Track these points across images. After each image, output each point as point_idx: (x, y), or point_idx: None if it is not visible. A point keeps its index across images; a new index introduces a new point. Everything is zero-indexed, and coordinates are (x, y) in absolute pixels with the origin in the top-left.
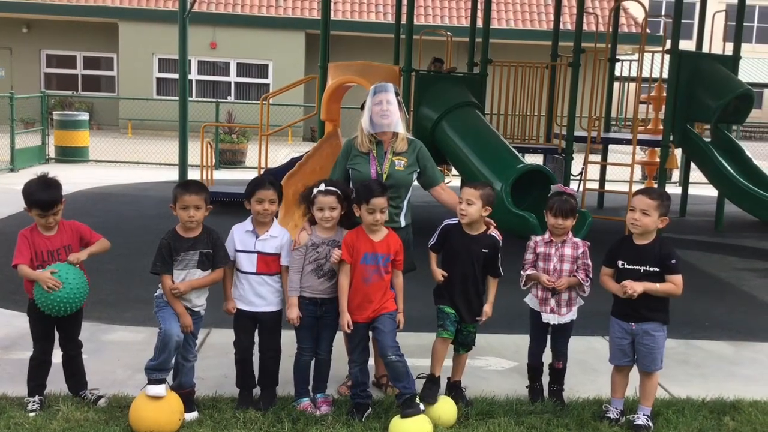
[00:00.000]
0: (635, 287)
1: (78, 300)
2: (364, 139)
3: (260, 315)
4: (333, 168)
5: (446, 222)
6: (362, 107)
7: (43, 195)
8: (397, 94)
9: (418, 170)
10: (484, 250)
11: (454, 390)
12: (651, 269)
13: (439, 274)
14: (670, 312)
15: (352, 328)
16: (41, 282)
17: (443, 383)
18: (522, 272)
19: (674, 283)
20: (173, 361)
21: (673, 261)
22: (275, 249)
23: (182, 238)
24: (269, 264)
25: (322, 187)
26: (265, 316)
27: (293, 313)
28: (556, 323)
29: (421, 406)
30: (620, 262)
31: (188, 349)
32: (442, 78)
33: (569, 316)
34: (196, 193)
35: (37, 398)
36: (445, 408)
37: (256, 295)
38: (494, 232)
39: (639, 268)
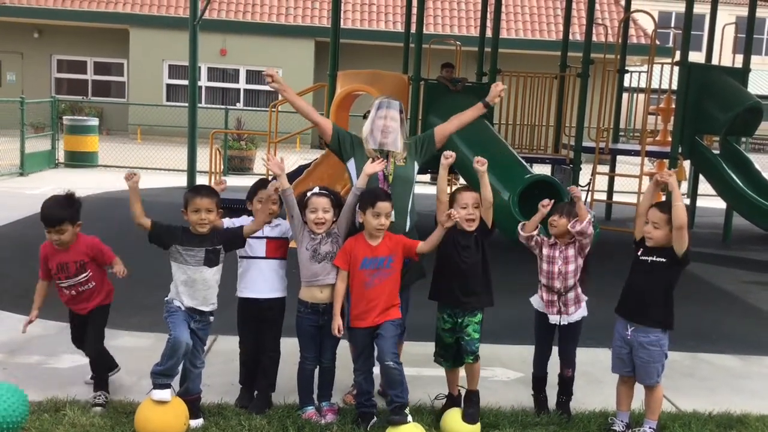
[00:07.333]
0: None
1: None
2: (369, 147)
3: (265, 302)
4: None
5: None
6: (365, 116)
7: (47, 211)
8: (401, 112)
9: (421, 153)
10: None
11: (468, 401)
12: (658, 260)
13: None
14: (676, 324)
15: (342, 332)
16: None
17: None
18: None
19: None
20: (180, 367)
21: None
22: (281, 234)
23: (192, 234)
24: (276, 249)
25: (316, 189)
26: (270, 302)
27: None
28: (566, 323)
29: (409, 418)
30: (639, 251)
31: (196, 356)
32: (452, 93)
33: (579, 313)
34: (207, 197)
35: (102, 393)
36: (456, 421)
37: (265, 280)
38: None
39: (647, 258)
